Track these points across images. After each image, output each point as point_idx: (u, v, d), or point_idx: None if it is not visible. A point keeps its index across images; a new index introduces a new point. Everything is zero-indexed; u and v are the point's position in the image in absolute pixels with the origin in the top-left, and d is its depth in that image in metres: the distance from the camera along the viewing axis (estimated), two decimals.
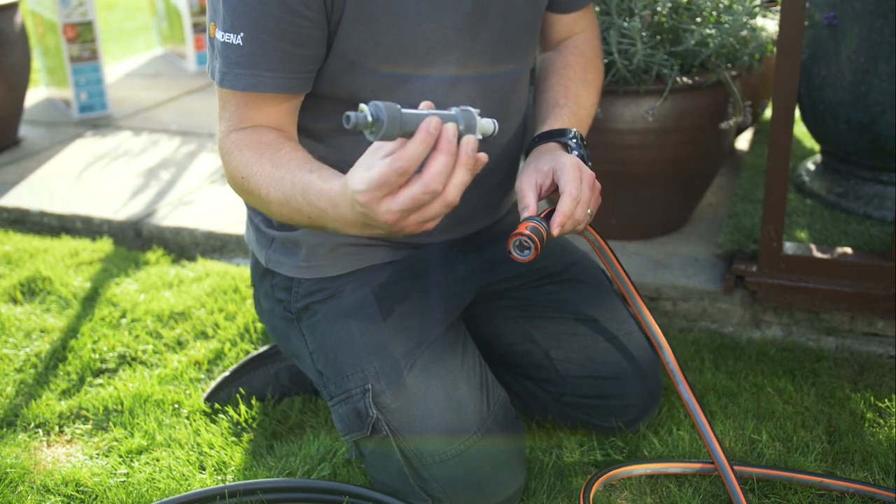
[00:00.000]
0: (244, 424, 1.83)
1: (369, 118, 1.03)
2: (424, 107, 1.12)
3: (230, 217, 2.73)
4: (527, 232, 1.34)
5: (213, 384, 1.91)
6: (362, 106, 1.04)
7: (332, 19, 1.36)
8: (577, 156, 1.49)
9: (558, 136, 1.51)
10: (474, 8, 1.42)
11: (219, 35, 1.35)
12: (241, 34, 1.32)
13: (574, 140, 1.51)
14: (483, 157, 1.13)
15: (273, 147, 1.35)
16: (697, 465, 1.61)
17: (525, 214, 1.39)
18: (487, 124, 1.19)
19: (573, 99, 1.57)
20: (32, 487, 1.65)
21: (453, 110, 1.15)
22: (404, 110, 1.06)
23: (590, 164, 1.52)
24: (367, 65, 1.40)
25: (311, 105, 1.47)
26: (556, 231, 1.37)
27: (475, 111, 1.17)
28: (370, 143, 1.48)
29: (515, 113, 1.59)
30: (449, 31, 1.41)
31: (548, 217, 1.40)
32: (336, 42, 1.38)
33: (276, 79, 1.35)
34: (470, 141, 1.11)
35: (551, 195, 1.47)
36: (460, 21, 1.42)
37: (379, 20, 1.37)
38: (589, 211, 1.43)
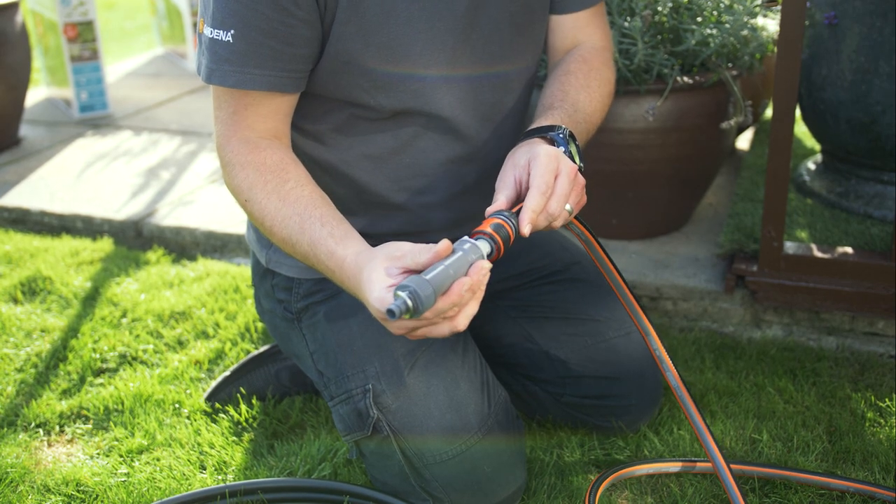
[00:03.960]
0: (245, 424, 1.83)
1: (409, 304, 1.11)
2: (442, 249, 1.16)
3: (230, 217, 2.73)
4: (489, 230, 1.22)
5: (213, 384, 1.91)
6: (398, 293, 1.11)
7: (325, 20, 1.36)
8: (565, 152, 1.38)
9: (544, 131, 1.41)
10: (467, 10, 1.42)
11: (207, 31, 1.35)
12: (231, 31, 1.32)
13: (560, 135, 1.39)
14: (488, 267, 1.19)
15: (278, 175, 1.37)
16: (702, 464, 1.61)
17: (492, 209, 1.28)
18: (485, 246, 1.23)
19: (570, 103, 1.50)
20: (33, 487, 1.65)
21: (466, 245, 1.20)
22: (428, 276, 1.13)
23: (582, 163, 1.41)
24: (360, 65, 1.40)
25: (308, 106, 1.47)
26: (525, 229, 1.25)
27: (474, 241, 1.22)
28: (367, 145, 1.49)
29: (509, 115, 1.56)
30: (441, 33, 1.41)
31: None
32: (329, 43, 1.38)
33: (265, 77, 1.35)
34: (485, 271, 1.17)
35: None
36: (452, 23, 1.41)
37: (371, 21, 1.36)
38: (568, 207, 1.31)
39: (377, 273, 1.20)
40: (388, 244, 1.24)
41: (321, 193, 1.39)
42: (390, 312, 1.10)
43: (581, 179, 1.35)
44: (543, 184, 1.28)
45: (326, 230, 1.32)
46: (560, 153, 1.32)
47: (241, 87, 1.36)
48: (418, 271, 1.19)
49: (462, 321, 1.18)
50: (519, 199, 1.31)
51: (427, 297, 1.11)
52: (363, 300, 1.25)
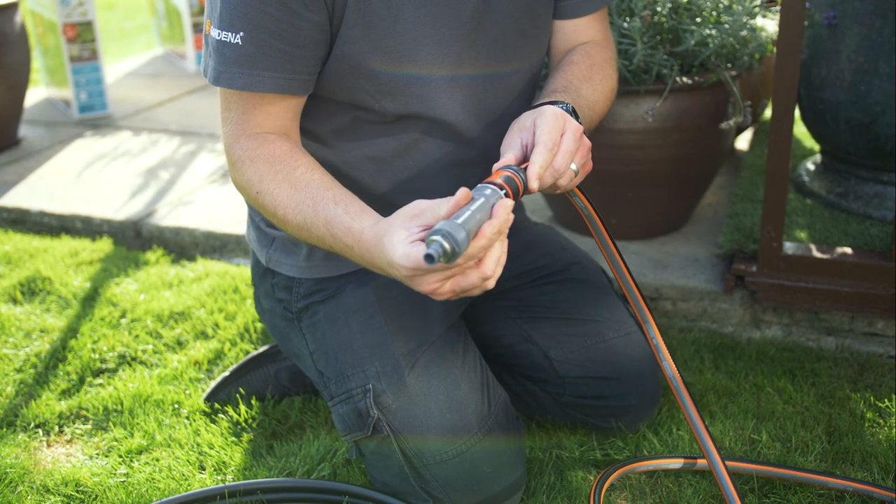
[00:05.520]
0: (244, 424, 1.83)
1: (446, 246, 1.08)
2: (462, 197, 1.15)
3: (230, 217, 2.73)
4: (499, 181, 1.21)
5: (212, 384, 1.91)
6: (432, 238, 1.09)
7: (333, 22, 1.36)
8: None
9: (547, 103, 1.41)
10: (472, 16, 1.42)
11: (214, 33, 1.35)
12: (241, 33, 1.32)
13: (563, 107, 1.38)
14: (511, 204, 1.17)
15: (288, 164, 1.37)
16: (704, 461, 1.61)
17: (501, 164, 1.28)
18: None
19: (574, 90, 1.49)
20: (32, 487, 1.65)
21: (487, 191, 1.19)
22: (459, 220, 1.11)
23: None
24: (365, 69, 1.39)
25: (312, 108, 1.47)
26: (534, 183, 1.25)
27: (493, 187, 1.20)
28: (371, 147, 1.48)
29: (512, 117, 1.57)
30: (446, 39, 1.41)
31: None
32: (336, 45, 1.38)
33: (274, 79, 1.35)
34: (509, 210, 1.16)
35: None
36: (458, 29, 1.41)
37: (378, 26, 1.36)
38: (573, 166, 1.31)
39: (397, 234, 1.18)
40: (404, 207, 1.22)
41: (330, 176, 1.38)
42: (429, 257, 1.07)
43: (587, 142, 1.35)
44: (549, 140, 1.28)
45: (341, 208, 1.30)
46: (566, 113, 1.33)
47: (251, 90, 1.35)
48: None
49: (490, 265, 1.17)
50: (525, 160, 1.31)
51: (462, 239, 1.09)
52: (387, 265, 1.22)
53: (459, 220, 1.11)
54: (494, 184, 1.21)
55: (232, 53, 1.33)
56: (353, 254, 1.30)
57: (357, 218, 1.28)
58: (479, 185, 1.21)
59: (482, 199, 1.17)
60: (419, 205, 1.20)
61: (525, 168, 1.28)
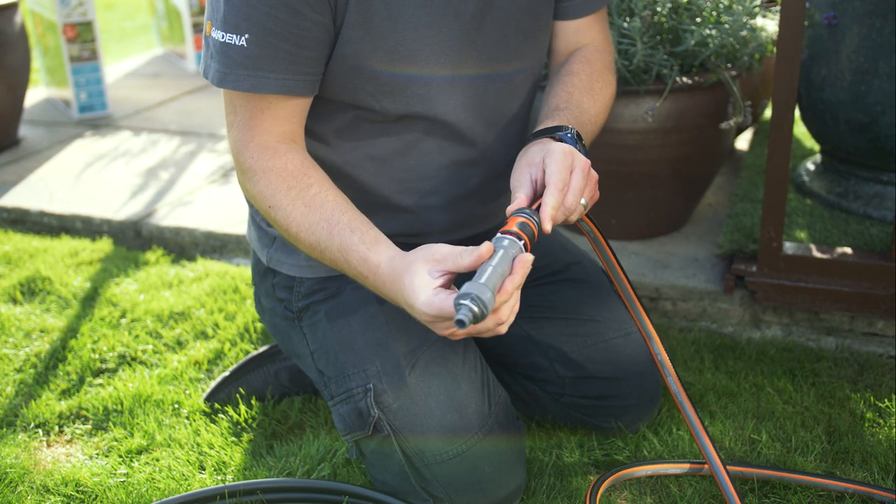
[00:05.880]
0: (244, 424, 1.83)
1: (475, 311, 1.12)
2: (486, 251, 1.18)
3: (230, 217, 2.73)
4: (515, 229, 1.25)
5: (212, 384, 1.91)
6: (461, 302, 1.12)
7: (336, 22, 1.36)
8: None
9: (552, 131, 1.43)
10: (473, 16, 1.42)
11: (217, 35, 1.34)
12: (246, 35, 1.31)
13: (569, 135, 1.41)
14: (531, 259, 1.20)
15: (301, 180, 1.38)
16: (701, 465, 1.61)
17: (514, 207, 1.30)
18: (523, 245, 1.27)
19: (575, 105, 1.51)
20: (32, 487, 1.65)
21: (505, 242, 1.22)
22: (483, 280, 1.15)
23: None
24: (366, 69, 1.39)
25: (313, 107, 1.47)
26: (547, 226, 1.28)
27: (510, 238, 1.23)
28: (372, 146, 1.48)
29: (513, 119, 1.57)
30: (447, 38, 1.41)
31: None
32: (337, 46, 1.38)
33: (280, 80, 1.35)
34: (529, 265, 1.19)
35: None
36: (459, 29, 1.41)
37: (378, 26, 1.36)
38: (583, 201, 1.34)
39: (420, 277, 1.21)
40: (423, 248, 1.25)
41: (344, 197, 1.39)
42: (460, 323, 1.11)
43: (594, 174, 1.38)
44: (560, 180, 1.30)
45: (357, 236, 1.32)
46: (573, 149, 1.35)
47: (257, 91, 1.35)
48: (459, 274, 1.21)
49: (505, 312, 1.20)
50: (536, 195, 1.34)
51: (489, 300, 1.13)
52: (406, 305, 1.25)
53: (483, 280, 1.15)
54: (511, 233, 1.24)
55: (236, 55, 1.33)
56: (367, 282, 1.33)
57: (373, 249, 1.30)
58: (498, 235, 1.24)
59: (501, 252, 1.20)
60: (440, 250, 1.22)
61: (537, 208, 1.30)
